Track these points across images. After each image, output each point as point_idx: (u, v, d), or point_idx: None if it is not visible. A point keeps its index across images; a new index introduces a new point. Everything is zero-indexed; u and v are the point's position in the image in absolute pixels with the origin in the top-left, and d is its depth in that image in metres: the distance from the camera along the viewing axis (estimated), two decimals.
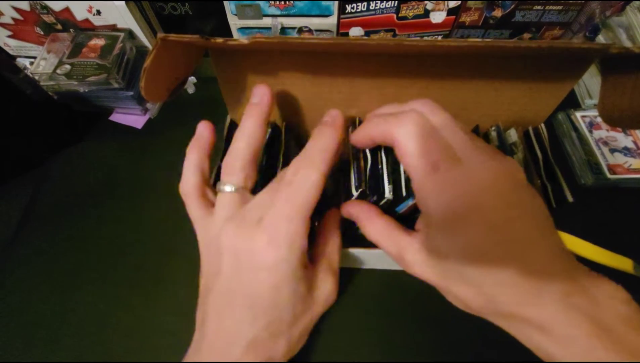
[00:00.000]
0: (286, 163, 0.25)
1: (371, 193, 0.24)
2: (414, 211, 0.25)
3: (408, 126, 0.19)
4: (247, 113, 0.23)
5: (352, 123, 0.28)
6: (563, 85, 0.26)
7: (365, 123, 0.22)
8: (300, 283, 0.20)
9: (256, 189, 0.23)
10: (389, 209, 0.25)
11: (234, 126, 0.29)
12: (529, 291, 0.17)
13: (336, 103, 0.28)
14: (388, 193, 0.23)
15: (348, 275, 0.36)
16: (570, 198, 0.23)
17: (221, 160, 0.27)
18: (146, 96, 0.21)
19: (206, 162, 0.24)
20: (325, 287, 0.22)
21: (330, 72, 0.26)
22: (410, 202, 0.23)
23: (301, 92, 0.28)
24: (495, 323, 0.19)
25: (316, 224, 0.26)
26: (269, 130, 0.28)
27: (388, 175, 0.23)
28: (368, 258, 0.32)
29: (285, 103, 0.28)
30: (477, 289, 0.18)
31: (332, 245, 0.25)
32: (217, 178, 0.26)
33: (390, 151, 0.24)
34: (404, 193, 0.23)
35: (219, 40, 0.20)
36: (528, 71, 0.25)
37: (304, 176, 0.20)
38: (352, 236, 0.30)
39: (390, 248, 0.22)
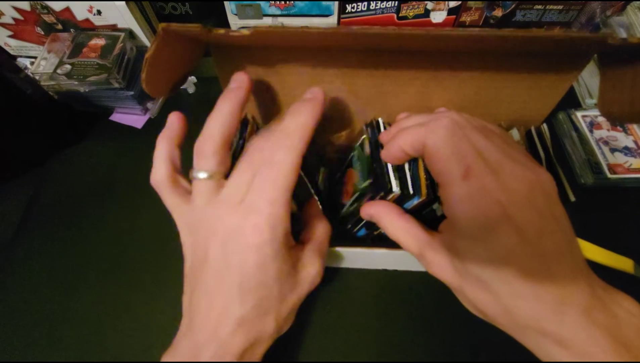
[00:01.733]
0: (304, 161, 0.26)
1: (377, 189, 0.24)
2: (421, 209, 0.25)
3: (440, 131, 0.19)
4: (223, 97, 0.22)
5: (376, 125, 0.28)
6: (562, 82, 0.26)
7: (395, 136, 0.22)
8: (285, 263, 0.21)
9: None
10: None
11: None
12: (550, 306, 0.17)
13: (337, 99, 0.28)
14: (395, 187, 0.23)
15: (344, 275, 0.35)
16: (572, 198, 0.23)
17: None
18: (147, 88, 0.21)
19: (176, 151, 0.24)
20: (312, 268, 0.23)
21: (329, 68, 0.26)
22: (416, 201, 0.23)
23: (301, 88, 0.28)
24: (508, 333, 0.19)
25: (297, 210, 0.26)
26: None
27: (393, 171, 0.24)
28: (364, 259, 0.32)
29: (285, 99, 0.29)
30: (495, 298, 0.18)
31: (319, 228, 0.25)
32: None
33: None
34: (411, 191, 0.23)
35: (221, 31, 0.20)
36: (527, 68, 0.25)
37: (284, 157, 0.20)
38: (350, 236, 0.30)
39: (412, 246, 0.22)
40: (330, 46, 0.24)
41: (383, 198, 0.24)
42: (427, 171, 0.24)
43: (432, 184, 0.23)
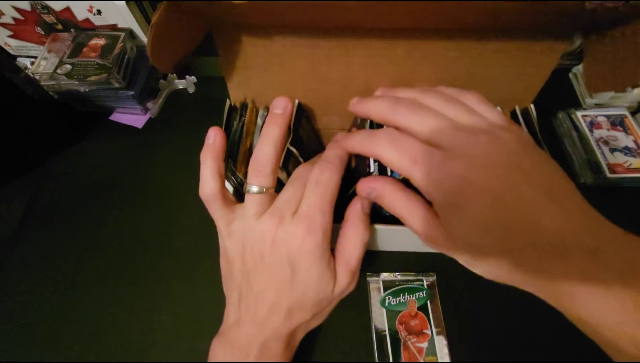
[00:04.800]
0: (296, 137, 0.27)
1: (357, 173, 0.25)
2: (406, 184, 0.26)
3: (381, 142, 0.22)
4: (271, 121, 0.25)
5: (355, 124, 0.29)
6: (548, 59, 0.27)
7: (356, 139, 0.24)
8: (328, 268, 0.24)
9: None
10: None
11: (233, 109, 0.29)
12: (550, 254, 0.18)
13: (334, 81, 0.29)
14: (372, 168, 0.24)
15: None
16: None
17: None
18: (152, 57, 0.22)
19: (222, 166, 0.26)
20: (343, 281, 0.25)
21: (327, 50, 0.27)
22: (397, 176, 0.23)
23: (299, 70, 0.28)
24: (525, 289, 0.20)
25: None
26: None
27: None
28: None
29: (285, 79, 0.29)
30: (499, 259, 0.19)
31: (349, 243, 0.25)
32: None
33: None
34: (389, 172, 0.24)
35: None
36: (514, 45, 0.26)
37: (329, 177, 0.24)
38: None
39: (417, 227, 0.22)
40: (328, 25, 0.24)
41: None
42: None
43: None
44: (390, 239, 0.33)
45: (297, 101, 0.30)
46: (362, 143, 0.24)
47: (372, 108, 0.24)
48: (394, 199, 0.23)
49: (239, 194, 0.30)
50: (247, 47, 0.27)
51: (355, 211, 0.25)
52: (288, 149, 0.26)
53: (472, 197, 0.19)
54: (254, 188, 0.24)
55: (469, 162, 0.19)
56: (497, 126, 0.21)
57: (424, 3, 0.19)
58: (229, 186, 0.30)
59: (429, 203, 0.22)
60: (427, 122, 0.21)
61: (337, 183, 0.24)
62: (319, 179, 0.24)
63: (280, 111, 0.26)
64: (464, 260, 0.21)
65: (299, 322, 0.25)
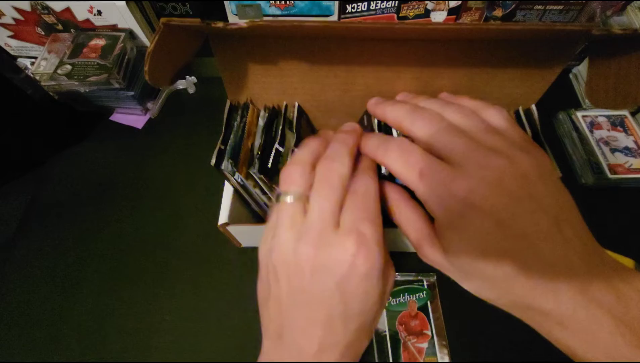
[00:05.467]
0: (299, 138, 0.27)
1: None
2: None
3: (391, 153, 0.21)
4: (338, 140, 0.23)
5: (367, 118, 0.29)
6: (553, 68, 0.27)
7: (368, 143, 0.24)
8: (384, 285, 0.21)
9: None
10: None
11: (233, 109, 0.29)
12: (543, 284, 0.17)
13: (333, 87, 0.29)
14: (384, 170, 0.24)
15: None
16: (558, 173, 0.24)
17: (222, 143, 0.27)
18: (150, 80, 0.22)
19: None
20: (391, 275, 0.22)
21: (327, 56, 0.26)
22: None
23: (299, 75, 0.28)
24: (516, 315, 0.20)
25: None
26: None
27: None
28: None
29: (283, 86, 0.29)
30: (491, 282, 0.19)
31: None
32: (217, 161, 0.26)
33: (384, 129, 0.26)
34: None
35: (219, 24, 0.20)
36: (519, 55, 0.26)
37: (368, 186, 0.22)
38: None
39: (413, 236, 0.22)
40: (326, 34, 0.24)
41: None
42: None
43: None
44: (391, 240, 0.32)
45: (296, 103, 0.29)
46: (373, 149, 0.23)
47: (390, 113, 0.24)
48: (396, 207, 0.23)
49: (240, 195, 0.30)
50: (244, 55, 0.27)
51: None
52: (293, 150, 0.26)
53: (473, 220, 0.18)
54: (289, 198, 0.21)
55: (477, 184, 0.18)
56: (516, 146, 0.20)
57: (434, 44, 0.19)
58: (229, 187, 0.30)
59: (430, 217, 0.22)
60: (442, 137, 0.21)
61: (377, 191, 0.22)
62: (356, 188, 0.21)
63: (350, 128, 0.23)
64: (454, 276, 0.21)
65: (354, 354, 0.22)
